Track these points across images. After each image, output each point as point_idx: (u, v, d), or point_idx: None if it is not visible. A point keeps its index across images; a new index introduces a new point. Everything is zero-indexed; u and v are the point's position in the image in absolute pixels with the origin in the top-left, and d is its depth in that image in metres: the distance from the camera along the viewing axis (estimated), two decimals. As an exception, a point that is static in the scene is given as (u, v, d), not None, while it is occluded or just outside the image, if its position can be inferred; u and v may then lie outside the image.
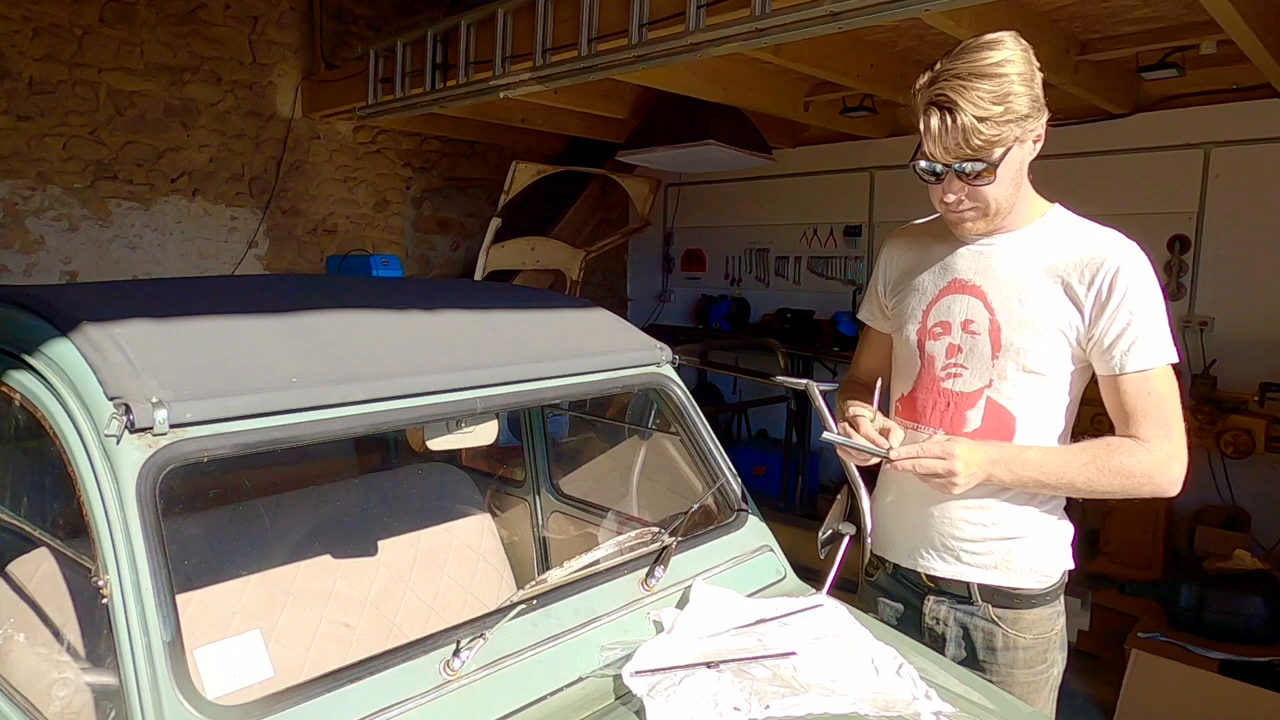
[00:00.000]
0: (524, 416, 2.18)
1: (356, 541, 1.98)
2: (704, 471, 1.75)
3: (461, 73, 3.86)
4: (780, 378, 2.60)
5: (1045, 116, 1.39)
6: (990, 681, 1.50)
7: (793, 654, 1.28)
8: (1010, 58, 1.33)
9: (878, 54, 3.97)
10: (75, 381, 1.10)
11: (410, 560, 2.06)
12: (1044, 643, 1.57)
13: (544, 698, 1.19)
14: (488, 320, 1.57)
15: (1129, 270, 1.40)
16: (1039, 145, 1.43)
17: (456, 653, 1.13)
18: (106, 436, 1.03)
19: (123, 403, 1.03)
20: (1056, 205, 1.52)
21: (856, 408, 1.55)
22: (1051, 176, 5.14)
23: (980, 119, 1.29)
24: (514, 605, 1.19)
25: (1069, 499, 1.60)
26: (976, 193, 1.40)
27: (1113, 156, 4.51)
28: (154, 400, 1.05)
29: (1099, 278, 1.41)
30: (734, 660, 1.26)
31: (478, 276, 4.63)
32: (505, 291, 1.99)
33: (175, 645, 0.95)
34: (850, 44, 3.85)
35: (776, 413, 5.41)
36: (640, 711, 1.16)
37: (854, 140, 5.29)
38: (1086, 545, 4.19)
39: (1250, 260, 4.14)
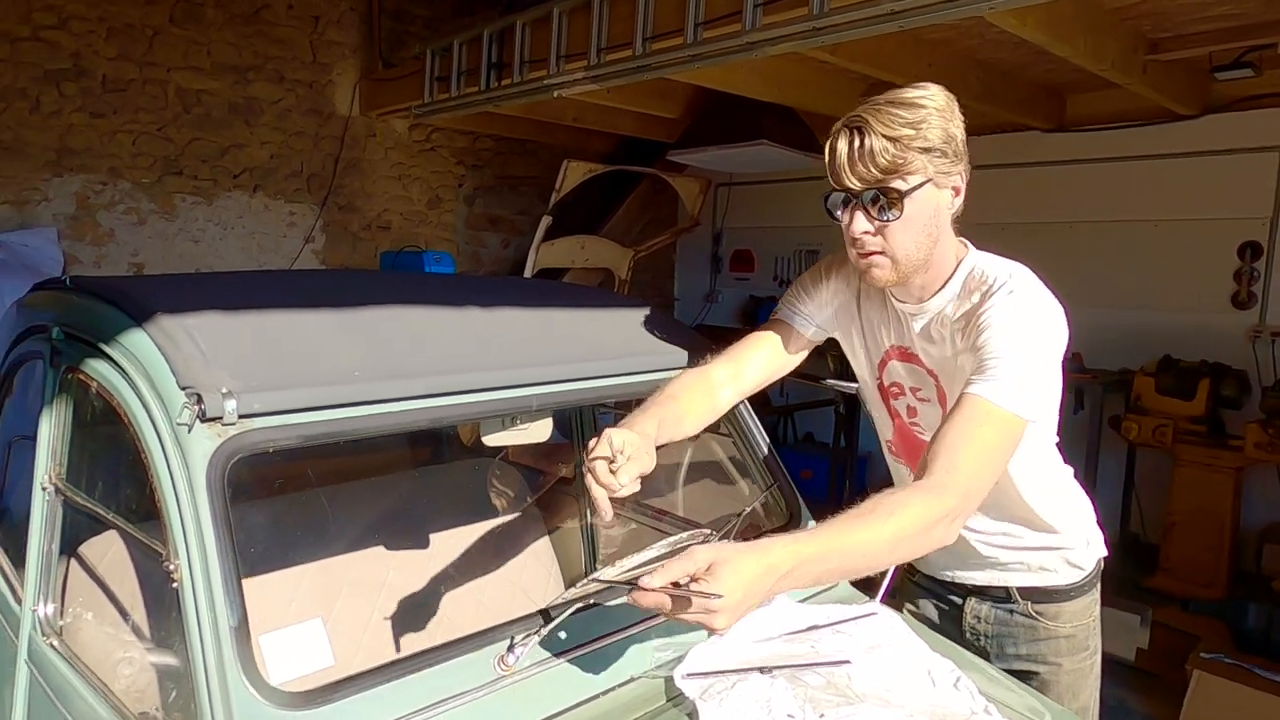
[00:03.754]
0: (574, 415, 2.19)
1: (409, 534, 2.01)
2: (756, 473, 1.74)
3: (516, 71, 3.89)
4: (831, 381, 2.55)
5: (965, 168, 1.32)
6: (1037, 674, 1.55)
7: (847, 662, 1.26)
8: (932, 95, 1.28)
9: (938, 53, 3.90)
10: (149, 370, 1.13)
11: (460, 554, 2.08)
12: (1084, 630, 1.60)
13: (595, 697, 1.19)
14: (543, 318, 1.58)
15: (998, 313, 1.30)
16: (959, 200, 1.35)
17: (511, 649, 1.13)
18: (179, 425, 1.06)
19: (194, 392, 1.06)
20: (970, 251, 1.43)
21: (607, 440, 1.21)
22: (1115, 181, 5.01)
23: (890, 138, 1.23)
24: (569, 603, 1.20)
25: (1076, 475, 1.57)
26: (885, 232, 1.30)
27: (1180, 160, 4.36)
28: (224, 390, 1.07)
29: (979, 326, 1.32)
30: (787, 666, 1.25)
31: (527, 274, 4.66)
32: (558, 289, 2.00)
33: (242, 630, 0.98)
34: (910, 42, 3.78)
35: (823, 416, 5.36)
36: (692, 714, 1.15)
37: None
38: (1145, 561, 4.07)
39: (1326, 268, 3.97)
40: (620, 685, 1.22)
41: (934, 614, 1.67)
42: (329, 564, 1.88)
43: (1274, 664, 2.90)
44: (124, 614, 1.51)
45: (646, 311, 1.77)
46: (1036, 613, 1.57)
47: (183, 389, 1.08)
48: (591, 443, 1.23)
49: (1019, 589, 1.57)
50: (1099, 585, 1.62)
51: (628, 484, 1.20)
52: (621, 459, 1.20)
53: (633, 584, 1.10)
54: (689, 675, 1.23)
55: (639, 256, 5.42)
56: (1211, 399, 3.99)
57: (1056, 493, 1.54)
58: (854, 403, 4.98)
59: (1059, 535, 1.54)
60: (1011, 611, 1.59)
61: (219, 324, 1.22)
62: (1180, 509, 3.97)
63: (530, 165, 5.99)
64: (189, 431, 1.05)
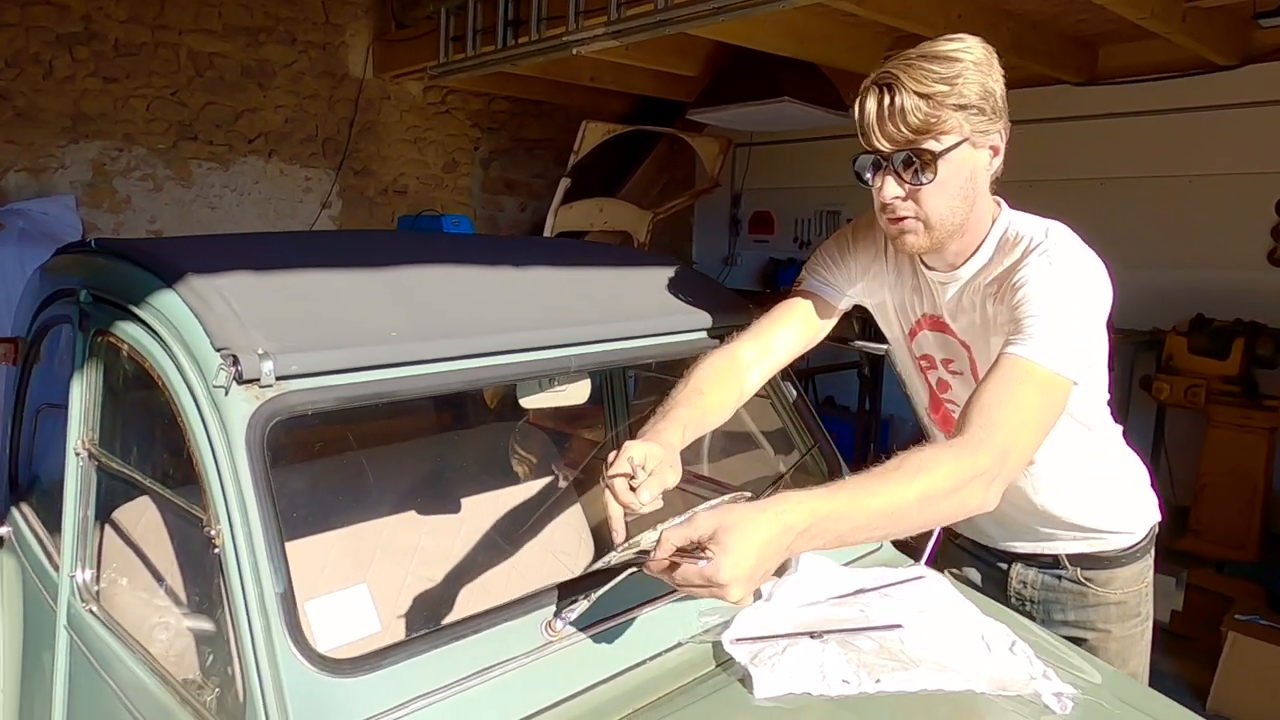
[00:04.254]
0: (605, 377, 2.15)
1: (440, 499, 1.99)
2: (796, 434, 1.70)
3: (533, 29, 3.80)
4: (859, 343, 2.50)
5: (1005, 126, 1.23)
6: (1085, 640, 1.50)
7: (899, 626, 1.24)
8: (969, 48, 1.18)
9: (966, 4, 3.78)
10: (182, 332, 1.10)
11: (491, 519, 2.06)
12: (1135, 597, 1.55)
13: (643, 662, 1.16)
14: (577, 277, 1.53)
15: (1034, 271, 1.23)
16: (998, 160, 1.26)
17: (559, 614, 1.11)
18: (215, 387, 1.03)
19: (230, 354, 1.03)
20: (1003, 210, 1.35)
21: (628, 455, 1.15)
22: (1148, 136, 4.86)
23: (922, 95, 1.14)
24: (618, 568, 1.16)
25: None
26: (918, 196, 1.22)
27: (1217, 112, 4.23)
28: (260, 352, 1.04)
29: (1015, 286, 1.24)
30: (838, 631, 1.22)
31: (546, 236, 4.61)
32: (589, 248, 1.95)
33: (288, 597, 0.95)
34: (937, -8, 3.66)
35: (845, 380, 5.30)
36: (745, 679, 1.13)
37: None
38: (1175, 523, 4.02)
39: (1369, 224, 3.86)
40: (668, 650, 1.20)
41: (977, 579, 1.63)
42: (361, 529, 1.86)
43: (1311, 626, 2.87)
44: (160, 579, 1.50)
45: (679, 270, 1.72)
46: (1086, 579, 1.52)
47: (218, 350, 1.05)
48: (610, 456, 1.16)
49: (1068, 555, 1.52)
50: (1153, 551, 1.56)
51: (648, 502, 1.13)
52: (643, 474, 1.12)
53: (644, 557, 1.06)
54: (737, 640, 1.21)
55: (658, 219, 5.34)
56: (1246, 358, 3.91)
57: (1107, 457, 1.49)
58: (878, 365, 4.93)
59: (1110, 502, 1.50)
60: (1059, 578, 1.54)
61: (251, 284, 1.19)
62: (1212, 470, 3.91)
63: (546, 127, 5.89)
64: (226, 394, 1.02)
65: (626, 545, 1.24)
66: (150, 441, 1.36)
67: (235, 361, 1.02)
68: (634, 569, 1.11)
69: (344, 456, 1.94)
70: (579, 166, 4.58)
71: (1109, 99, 4.50)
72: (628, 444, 1.16)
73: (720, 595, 0.94)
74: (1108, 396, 1.44)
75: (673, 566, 0.96)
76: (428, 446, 2.11)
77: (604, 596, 1.19)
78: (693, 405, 1.29)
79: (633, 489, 1.12)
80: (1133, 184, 4.47)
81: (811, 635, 1.20)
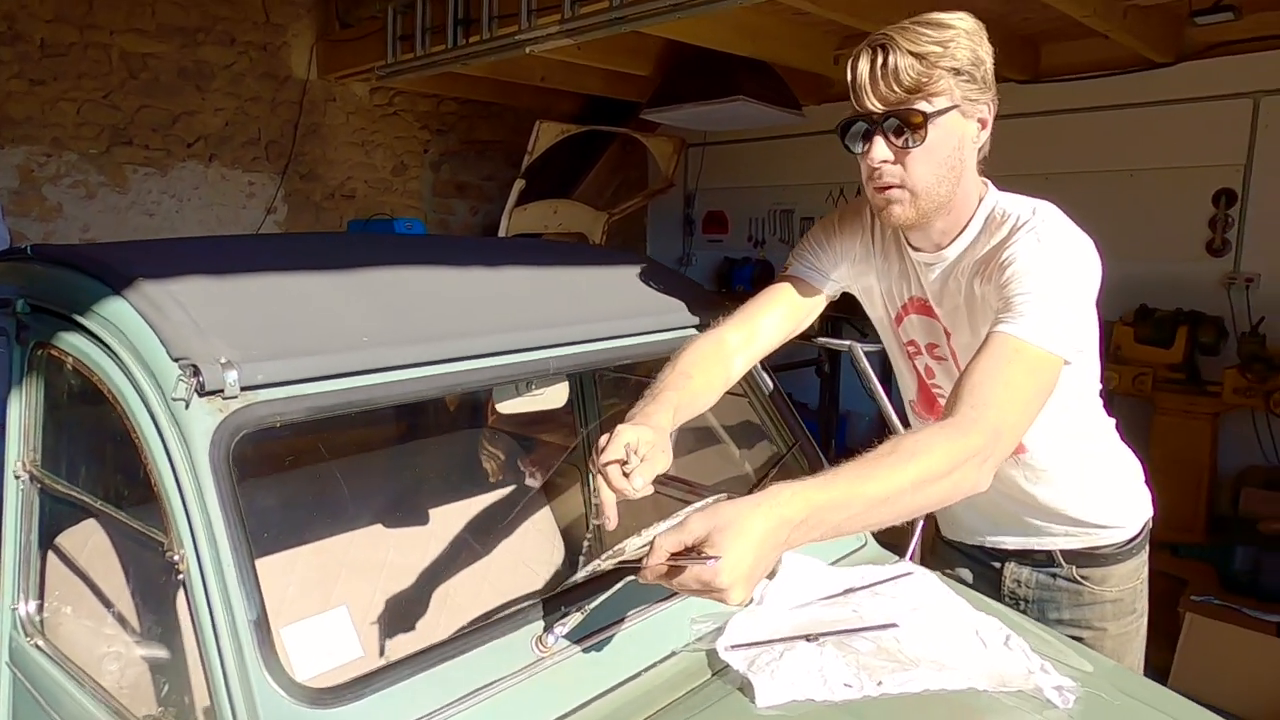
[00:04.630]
0: (575, 378, 2.10)
1: (407, 511, 1.92)
2: (773, 428, 1.67)
3: (485, 28, 3.73)
4: (821, 339, 2.50)
5: (993, 100, 1.24)
6: (1081, 639, 1.48)
7: (894, 625, 1.21)
8: (961, 18, 1.19)
9: (918, 2, 3.82)
10: (135, 342, 1.02)
11: (460, 530, 1.99)
12: (1131, 594, 1.54)
13: (638, 674, 1.12)
14: (551, 277, 1.48)
15: (1023, 249, 1.22)
16: (985, 134, 1.26)
17: (549, 629, 1.06)
18: (174, 400, 0.95)
19: (190, 364, 0.95)
20: (989, 190, 1.35)
21: (620, 440, 1.10)
22: (1090, 132, 4.97)
23: (916, 54, 1.15)
24: (609, 577, 1.12)
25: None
26: (906, 161, 1.21)
27: (1155, 108, 4.35)
28: (223, 361, 0.97)
29: (1003, 264, 1.23)
30: (834, 633, 1.19)
31: (501, 240, 4.53)
32: (560, 248, 1.90)
33: (261, 624, 0.88)
34: (888, -9, 3.69)
35: (803, 377, 5.33)
36: (745, 688, 1.09)
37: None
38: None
39: (1301, 214, 4.00)
40: (662, 660, 1.15)
41: (969, 579, 1.61)
42: (325, 545, 1.78)
43: (1261, 604, 2.96)
44: (111, 607, 1.41)
45: (651, 267, 1.68)
46: (1081, 577, 1.50)
47: (175, 360, 0.97)
48: (601, 441, 1.11)
49: (1063, 552, 1.50)
50: (1148, 546, 1.55)
51: (642, 488, 1.08)
52: (635, 460, 1.08)
53: (636, 565, 1.01)
54: (733, 647, 1.17)
55: (613, 220, 5.30)
56: (1189, 346, 4.03)
57: (1100, 447, 1.48)
58: (837, 361, 4.96)
59: (1103, 494, 1.48)
60: (1054, 576, 1.52)
61: (208, 289, 1.11)
62: (1160, 456, 4.00)
63: (496, 129, 5.81)
64: (186, 407, 0.95)
65: (610, 553, 1.19)
66: (99, 461, 1.27)
67: (196, 372, 0.95)
68: (629, 578, 1.07)
69: (304, 469, 1.86)
70: (532, 168, 4.51)
71: (1052, 96, 4.61)
72: (619, 428, 1.12)
73: (720, 598, 0.90)
74: (1100, 386, 1.44)
75: (671, 572, 0.91)
76: (392, 456, 2.03)
77: (595, 608, 1.15)
78: (681, 389, 1.25)
79: (625, 475, 1.08)
80: (1077, 179, 4.58)
81: (808, 638, 1.17)
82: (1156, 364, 4.02)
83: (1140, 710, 1.11)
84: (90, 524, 1.46)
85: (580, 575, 1.17)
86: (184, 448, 0.94)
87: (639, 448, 1.09)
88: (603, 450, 1.09)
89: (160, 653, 1.31)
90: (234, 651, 0.87)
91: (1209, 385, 3.97)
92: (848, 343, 1.86)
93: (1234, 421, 4.09)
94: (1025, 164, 4.87)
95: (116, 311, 1.06)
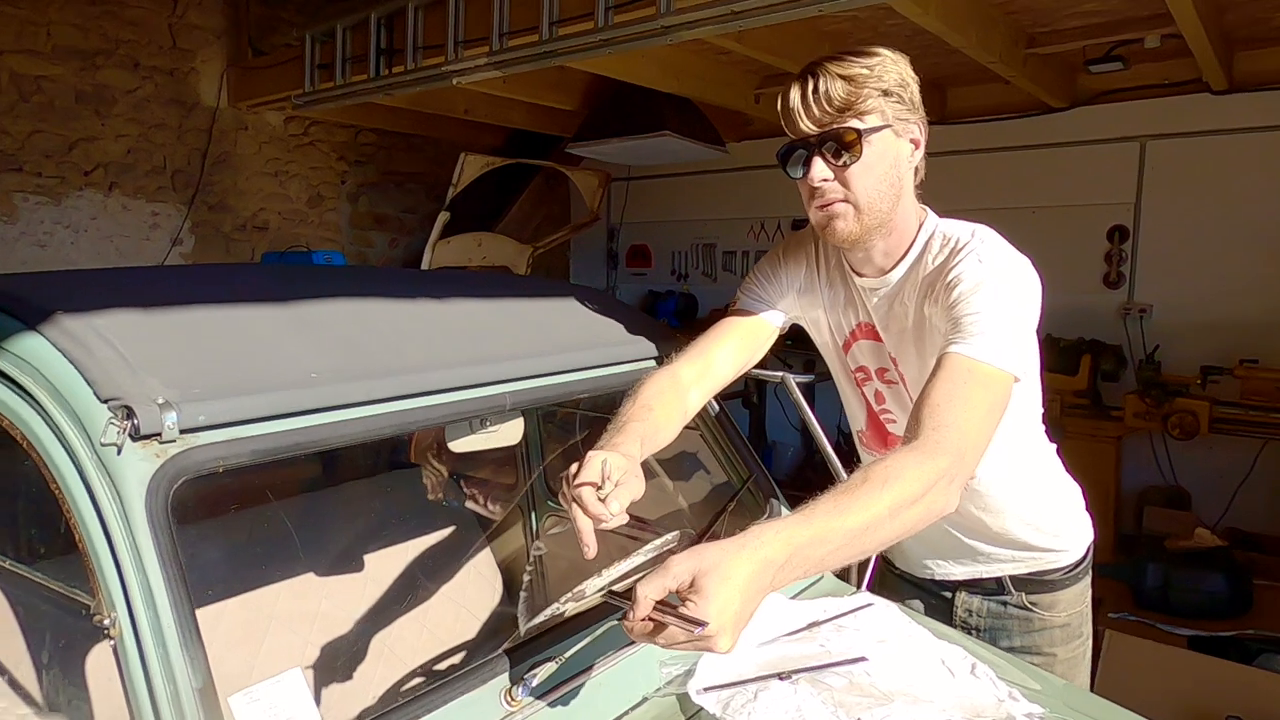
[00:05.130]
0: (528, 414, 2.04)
1: (340, 557, 1.81)
2: (725, 464, 1.65)
3: (410, 58, 3.66)
4: (755, 371, 2.52)
5: (923, 121, 1.29)
6: (1033, 664, 1.48)
7: (864, 659, 1.20)
8: (883, 49, 1.26)
9: (835, 44, 3.96)
10: (54, 382, 0.92)
11: (396, 576, 1.89)
12: (1078, 619, 1.58)
13: (611, 723, 1.07)
14: (503, 310, 1.43)
15: (969, 270, 1.25)
16: (919, 153, 1.31)
17: (519, 681, 1.00)
18: (104, 446, 0.86)
19: (122, 405, 0.87)
20: (929, 215, 1.39)
21: (594, 465, 1.08)
22: (995, 170, 5.22)
23: (844, 77, 1.20)
24: (566, 620, 1.06)
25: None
26: (845, 178, 1.24)
27: (1054, 149, 4.63)
28: (160, 401, 0.88)
29: (948, 286, 1.26)
30: (806, 669, 1.16)
31: (425, 274, 4.42)
32: (508, 280, 1.85)
33: (208, 693, 0.80)
34: (808, 33, 3.82)
35: (732, 409, 5.36)
36: (722, 732, 1.05)
37: (801, 134, 5.29)
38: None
39: (1185, 249, 4.29)
40: (634, 708, 1.10)
41: (920, 609, 1.61)
42: (250, 598, 1.66)
43: (1172, 619, 3.10)
44: (10, 679, 1.26)
45: (603, 301, 1.65)
46: (1031, 604, 1.52)
47: (105, 402, 0.88)
48: (573, 467, 1.08)
49: (1012, 578, 1.53)
50: (1091, 572, 1.59)
51: (618, 513, 1.05)
52: (609, 485, 1.05)
53: (619, 599, 0.99)
54: (705, 689, 1.13)
55: (537, 253, 5.26)
56: (1093, 373, 4.25)
57: (1044, 471, 1.52)
58: (764, 393, 5.02)
59: (1049, 518, 1.51)
60: (1005, 604, 1.54)
61: (136, 323, 1.02)
62: (1070, 479, 4.20)
63: (416, 161, 5.71)
64: (119, 453, 0.86)
65: (570, 595, 1.14)
66: (3, 515, 1.14)
67: (129, 414, 0.86)
68: (598, 624, 1.02)
69: (223, 518, 1.73)
70: (455, 201, 4.44)
71: (959, 137, 4.84)
72: (591, 454, 1.09)
73: (708, 647, 0.86)
74: (1042, 411, 1.48)
75: (656, 629, 0.87)
76: (321, 500, 1.91)
77: (559, 658, 1.09)
78: (645, 421, 1.23)
79: (601, 500, 1.04)
80: (982, 215, 4.67)
81: (780, 677, 1.15)
82: (1064, 390, 4.22)
83: (1109, 734, 1.13)
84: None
85: (540, 618, 1.12)
86: (115, 498, 0.85)
87: (611, 473, 1.06)
88: (575, 475, 1.06)
89: (70, 727, 1.18)
90: (177, 725, 0.78)
91: (1111, 410, 4.19)
92: (780, 374, 1.87)
93: (1134, 444, 4.32)
94: (936, 201, 5.10)
95: (31, 348, 0.95)
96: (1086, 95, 4.48)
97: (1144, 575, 3.22)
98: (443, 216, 4.32)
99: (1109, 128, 4.44)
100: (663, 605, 0.87)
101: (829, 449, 1.81)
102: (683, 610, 0.85)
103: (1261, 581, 3.29)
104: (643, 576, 0.89)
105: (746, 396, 4.82)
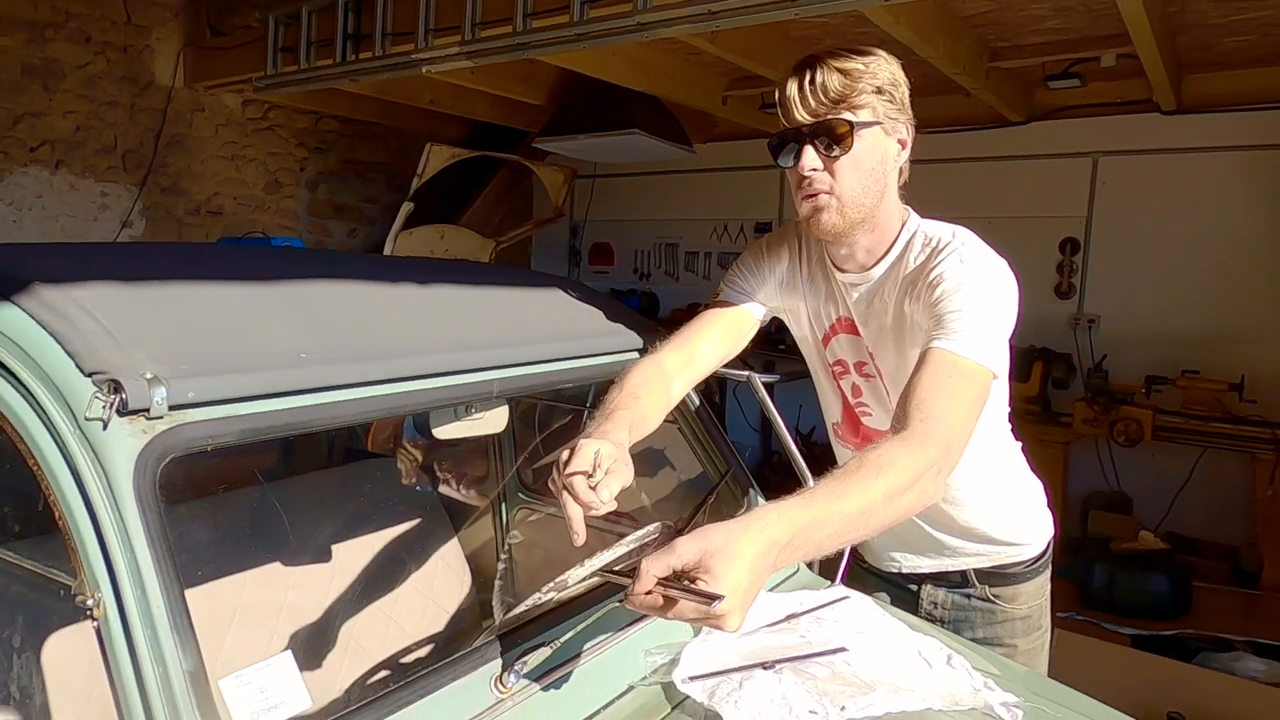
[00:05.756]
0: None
1: (307, 548, 1.77)
2: (703, 457, 1.66)
3: (377, 45, 3.60)
4: (721, 369, 2.54)
5: (910, 124, 1.33)
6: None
7: (844, 650, 1.21)
8: (880, 50, 1.31)
9: (804, 48, 3.99)
10: (33, 354, 0.88)
11: (363, 567, 1.86)
12: (1038, 611, 1.63)
13: (599, 711, 1.06)
14: (488, 297, 1.42)
15: (950, 270, 1.27)
16: (905, 154, 1.34)
17: (509, 669, 0.99)
18: (88, 420, 0.83)
19: (108, 379, 0.84)
20: (911, 215, 1.42)
21: (586, 453, 1.07)
22: (953, 180, 5.33)
23: (841, 70, 1.24)
24: (573, 605, 1.06)
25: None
26: (834, 169, 1.27)
27: (1011, 162, 4.75)
28: (148, 376, 0.85)
29: (931, 284, 1.28)
30: (789, 659, 1.18)
31: (386, 264, 4.35)
32: (490, 269, 1.83)
33: (199, 676, 0.77)
34: (778, 38, 3.86)
35: (690, 408, 5.39)
36: (710, 719, 1.05)
37: (765, 137, 5.29)
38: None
39: (1133, 262, 4.44)
40: (620, 696, 1.10)
41: (887, 601, 1.64)
42: (213, 588, 1.61)
43: (1117, 618, 3.20)
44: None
45: (585, 292, 1.65)
46: (994, 596, 1.57)
47: (89, 376, 0.85)
48: (564, 454, 1.08)
49: (975, 572, 1.57)
50: (1050, 566, 1.64)
51: (609, 500, 1.05)
52: (600, 473, 1.05)
53: (616, 577, 1.00)
54: (691, 678, 1.13)
55: (500, 248, 5.22)
56: (1044, 380, 4.38)
57: (1010, 468, 1.56)
58: (724, 392, 5.05)
59: (1013, 513, 1.56)
60: (969, 596, 1.58)
61: (120, 297, 0.98)
62: (1020, 482, 4.31)
63: (378, 150, 5.61)
64: (104, 429, 0.82)
65: (552, 585, 1.14)
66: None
67: (116, 388, 0.83)
68: (589, 610, 1.02)
69: (191, 504, 1.68)
70: (419, 192, 4.38)
71: (917, 147, 4.90)
72: (581, 441, 1.09)
73: (717, 625, 0.87)
74: (1009, 410, 1.52)
75: (666, 603, 0.87)
76: (289, 489, 1.87)
77: (547, 646, 1.09)
78: (632, 409, 1.23)
79: (591, 488, 1.04)
80: None
81: (764, 666, 1.15)
82: (1016, 397, 4.32)
83: (1082, 722, 1.16)
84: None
85: (523, 607, 1.11)
86: (100, 475, 0.82)
87: (602, 460, 1.06)
88: (566, 463, 1.06)
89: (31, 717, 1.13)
90: (167, 710, 0.75)
91: (1060, 416, 4.31)
92: (746, 373, 1.89)
93: (1080, 450, 4.46)
94: (895, 208, 5.21)
95: (6, 320, 0.91)
96: (1043, 110, 4.61)
97: (1091, 575, 3.32)
98: (406, 207, 4.26)
99: (1064, 142, 4.57)
100: (670, 581, 0.88)
101: (793, 447, 1.83)
102: (699, 583, 0.86)
103: (1200, 584, 3.42)
104: (642, 561, 0.89)
105: (708, 395, 4.84)
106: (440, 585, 1.98)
